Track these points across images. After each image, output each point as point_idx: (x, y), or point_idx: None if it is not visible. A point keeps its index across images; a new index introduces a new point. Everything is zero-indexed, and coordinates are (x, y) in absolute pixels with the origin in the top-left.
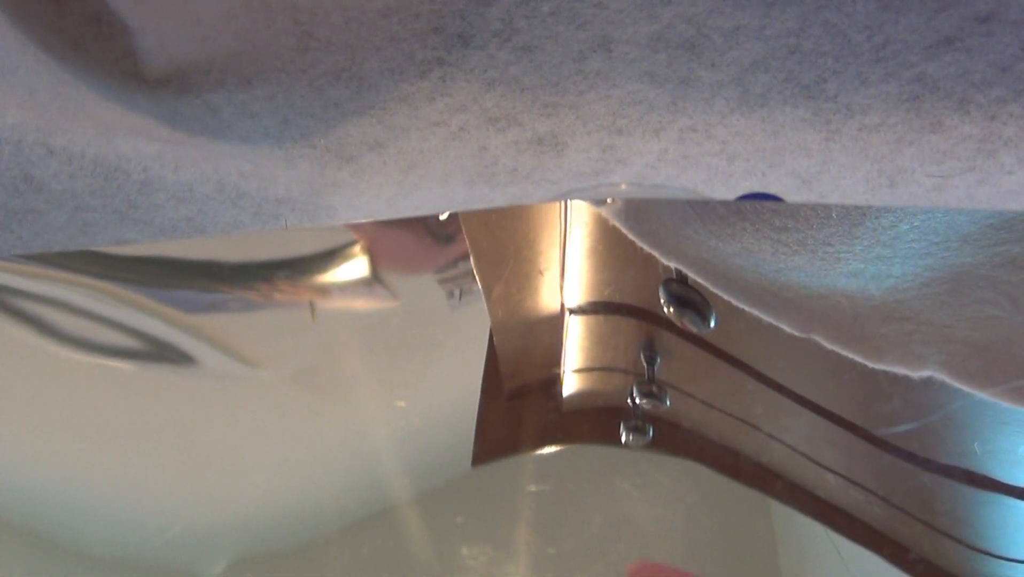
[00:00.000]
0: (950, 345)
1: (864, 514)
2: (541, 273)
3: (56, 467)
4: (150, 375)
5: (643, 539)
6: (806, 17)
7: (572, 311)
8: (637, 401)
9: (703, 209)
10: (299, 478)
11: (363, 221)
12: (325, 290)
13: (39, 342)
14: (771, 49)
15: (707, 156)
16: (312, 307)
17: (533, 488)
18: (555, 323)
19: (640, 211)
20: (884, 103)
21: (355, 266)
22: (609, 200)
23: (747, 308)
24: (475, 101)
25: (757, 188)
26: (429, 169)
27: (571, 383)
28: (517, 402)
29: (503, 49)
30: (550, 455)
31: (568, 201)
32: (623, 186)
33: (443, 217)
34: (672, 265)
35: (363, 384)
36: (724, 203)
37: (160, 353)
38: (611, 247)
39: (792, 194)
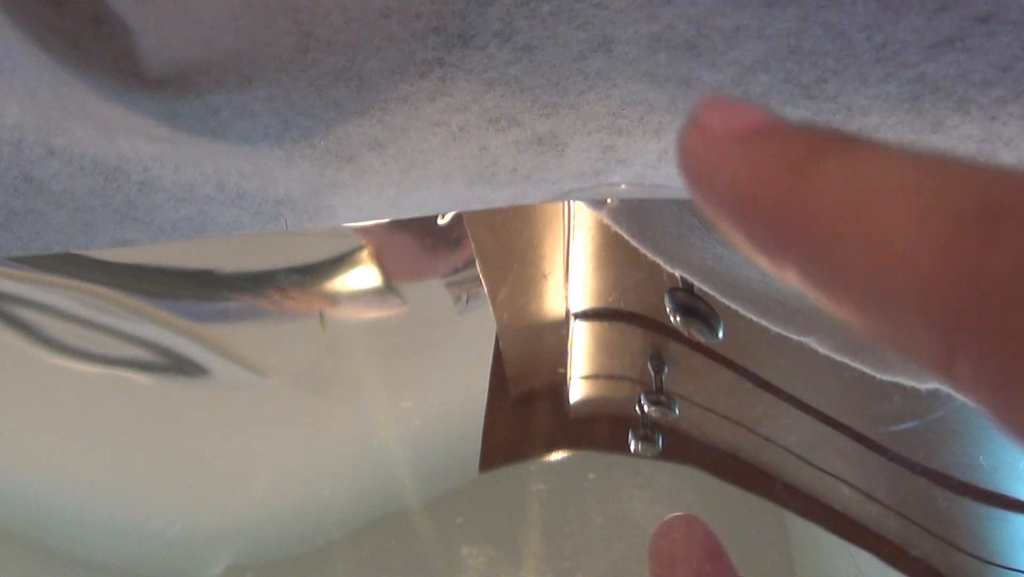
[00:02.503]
0: None
1: (879, 527)
2: (545, 277)
3: (64, 474)
4: (160, 384)
5: (643, 534)
6: (806, 17)
7: (577, 316)
8: (645, 409)
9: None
10: (308, 483)
11: (370, 225)
12: (334, 297)
13: (46, 354)
14: (771, 49)
15: None
16: (322, 316)
17: (540, 490)
18: (560, 327)
19: (643, 218)
20: (884, 103)
21: (364, 272)
22: (608, 200)
23: (754, 317)
24: (475, 101)
25: None
26: (429, 169)
27: (578, 389)
28: (524, 407)
29: (503, 49)
30: (557, 461)
31: (571, 204)
32: (623, 186)
33: (447, 220)
34: (677, 273)
35: (371, 390)
36: None
37: (170, 362)
38: (614, 251)
39: None
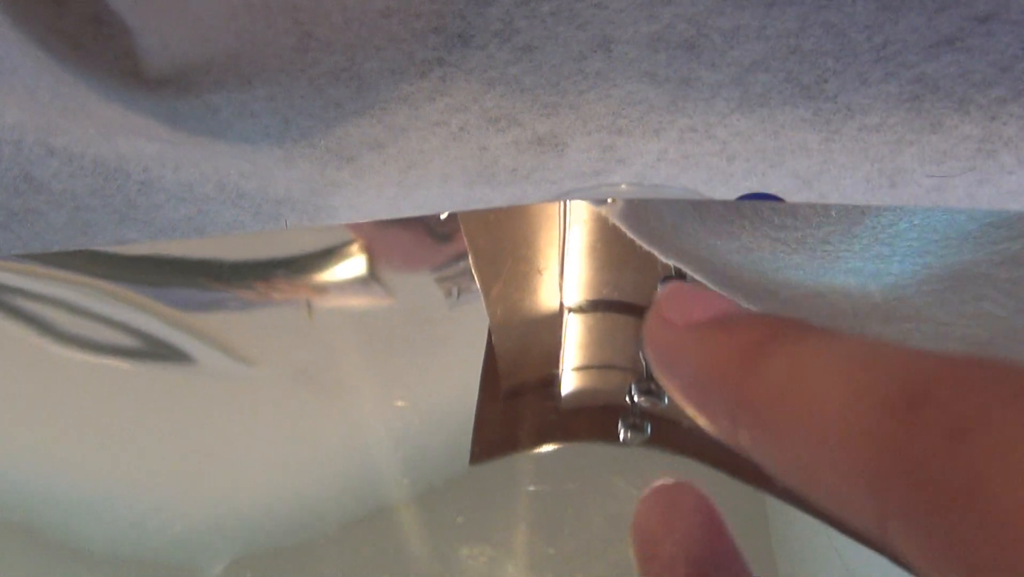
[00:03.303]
0: (948, 343)
1: None
2: (540, 272)
3: (53, 465)
4: (147, 373)
5: None
6: (806, 17)
7: (571, 310)
8: (636, 399)
9: (702, 207)
10: (297, 476)
11: (362, 221)
12: (322, 288)
13: (36, 340)
14: (771, 49)
15: (707, 156)
16: (309, 306)
17: (531, 487)
18: (554, 322)
19: (639, 209)
20: (884, 103)
21: (352, 265)
22: (609, 200)
23: (746, 306)
24: (475, 101)
25: (757, 188)
26: (429, 169)
27: (569, 381)
28: (515, 401)
29: (503, 49)
30: (548, 453)
31: (567, 200)
32: (623, 186)
33: (442, 216)
34: (671, 263)
35: (360, 383)
36: (723, 201)
37: (157, 352)
38: (610, 245)
39: (792, 194)
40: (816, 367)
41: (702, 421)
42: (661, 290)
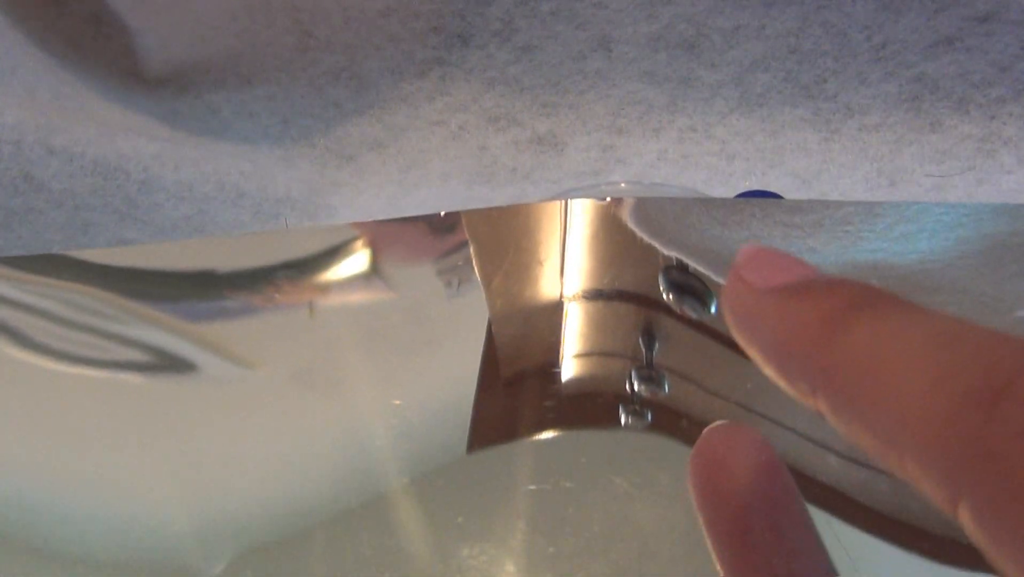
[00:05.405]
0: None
1: (865, 495)
2: (541, 263)
3: (58, 474)
4: (152, 383)
5: (643, 534)
6: (806, 17)
7: (571, 299)
8: (636, 387)
9: (707, 200)
10: (296, 477)
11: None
12: (324, 288)
13: (39, 360)
14: (771, 49)
15: (707, 156)
16: (311, 307)
17: (531, 485)
18: (554, 311)
19: (641, 203)
20: (884, 103)
21: (354, 262)
22: (608, 199)
23: None
24: (475, 101)
25: (757, 187)
26: (429, 168)
27: (569, 369)
28: (515, 391)
29: (503, 49)
30: (548, 443)
31: (568, 199)
32: (623, 185)
33: (442, 213)
34: (672, 255)
35: (359, 381)
36: (727, 199)
37: (162, 362)
38: (612, 235)
39: (792, 193)
40: (899, 345)
41: (780, 383)
42: (741, 252)
